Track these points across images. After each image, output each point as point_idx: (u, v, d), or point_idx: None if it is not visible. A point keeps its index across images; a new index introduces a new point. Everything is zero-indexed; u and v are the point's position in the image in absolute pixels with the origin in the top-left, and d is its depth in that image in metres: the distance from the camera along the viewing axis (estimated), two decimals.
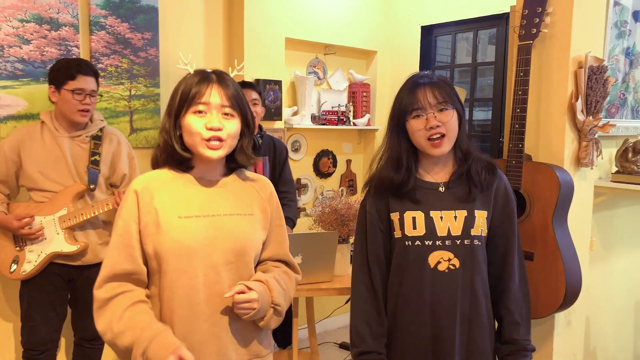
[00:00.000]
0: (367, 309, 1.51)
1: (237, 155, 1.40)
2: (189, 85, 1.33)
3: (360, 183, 4.11)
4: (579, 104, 2.00)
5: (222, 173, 1.43)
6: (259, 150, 2.88)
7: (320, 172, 3.89)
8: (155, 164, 1.40)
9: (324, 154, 3.88)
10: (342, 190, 3.91)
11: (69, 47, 2.69)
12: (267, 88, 3.30)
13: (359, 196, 3.52)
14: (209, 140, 1.31)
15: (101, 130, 2.41)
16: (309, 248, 2.39)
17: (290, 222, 2.89)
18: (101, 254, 2.38)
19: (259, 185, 1.47)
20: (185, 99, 1.32)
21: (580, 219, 2.16)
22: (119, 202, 2.15)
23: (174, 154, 1.35)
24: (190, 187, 1.37)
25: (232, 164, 1.42)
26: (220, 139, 1.31)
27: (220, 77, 1.35)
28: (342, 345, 3.63)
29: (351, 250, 2.74)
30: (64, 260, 2.31)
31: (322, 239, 2.46)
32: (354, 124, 3.87)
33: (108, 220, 2.44)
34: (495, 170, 1.51)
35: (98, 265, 2.35)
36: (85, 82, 2.28)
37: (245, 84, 2.81)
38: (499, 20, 3.46)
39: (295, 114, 3.58)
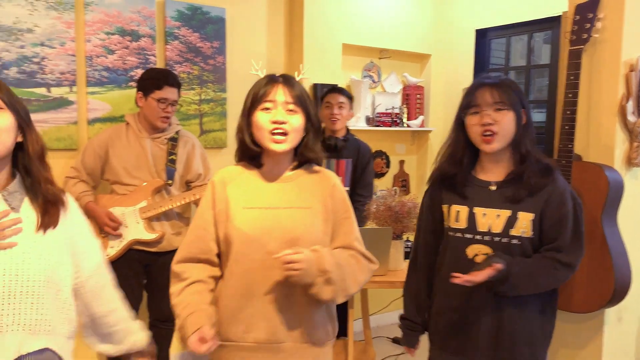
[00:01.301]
0: (412, 285, 1.75)
1: (303, 150, 1.53)
2: (259, 86, 1.50)
3: (413, 183, 4.22)
4: (630, 106, 2.05)
5: (289, 168, 1.55)
6: (340, 152, 3.05)
7: (374, 172, 4.01)
8: (236, 160, 1.59)
9: (378, 154, 4.01)
10: (395, 190, 4.02)
11: (147, 56, 2.97)
12: (324, 92, 3.48)
13: (412, 195, 3.63)
14: (273, 133, 1.45)
15: (177, 133, 2.67)
16: (364, 242, 2.53)
17: None
18: (175, 243, 2.63)
19: (321, 179, 1.55)
20: (255, 99, 1.49)
21: (633, 218, 2.20)
22: None
23: (247, 150, 1.52)
24: (257, 181, 1.53)
25: (300, 159, 1.55)
26: (284, 133, 1.46)
27: (286, 79, 1.51)
28: (395, 340, 3.73)
29: (405, 246, 2.87)
30: (142, 247, 2.57)
31: (377, 234, 2.60)
32: (408, 126, 3.98)
33: (182, 212, 2.69)
34: (551, 174, 1.55)
35: (172, 252, 2.62)
36: (170, 93, 2.54)
37: (334, 89, 3.04)
38: (554, 22, 3.47)
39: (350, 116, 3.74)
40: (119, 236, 2.54)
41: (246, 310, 1.46)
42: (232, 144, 3.31)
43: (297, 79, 1.57)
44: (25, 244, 1.17)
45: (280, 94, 1.47)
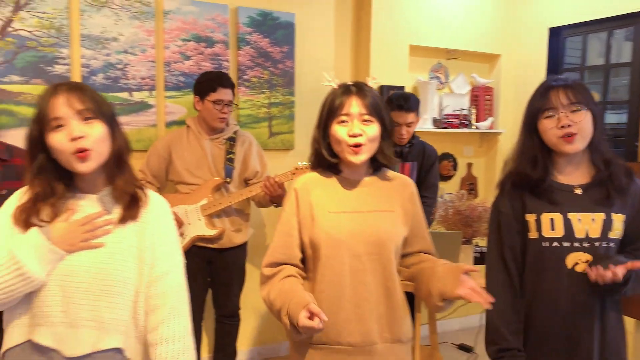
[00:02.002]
0: (505, 306, 1.54)
1: (378, 156, 1.55)
2: (333, 99, 1.52)
3: (481, 187, 4.11)
4: None
5: (366, 173, 1.58)
6: (405, 156, 3.04)
7: (441, 175, 3.94)
8: (312, 167, 1.62)
9: (445, 157, 3.95)
10: (462, 193, 3.95)
11: (221, 62, 3.07)
12: (390, 94, 3.47)
13: (482, 199, 3.55)
14: (351, 146, 1.48)
15: (235, 133, 2.75)
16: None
17: None
18: (234, 239, 2.73)
19: (399, 185, 1.60)
20: (330, 111, 1.52)
21: None
22: (268, 186, 2.51)
23: (323, 160, 1.56)
24: (339, 186, 1.56)
25: (375, 164, 1.58)
26: (359, 144, 1.48)
27: (359, 89, 1.52)
28: (461, 347, 3.66)
29: (475, 251, 2.80)
30: (204, 243, 2.66)
31: (446, 238, 2.56)
32: (476, 127, 3.89)
33: (241, 209, 2.77)
34: (632, 174, 1.53)
35: (232, 249, 2.72)
36: (224, 94, 2.61)
37: (402, 106, 2.86)
38: (638, 18, 3.29)
39: None
40: (181, 234, 2.64)
41: (339, 314, 1.48)
42: (298, 146, 3.37)
43: (370, 83, 1.57)
44: (110, 245, 1.23)
45: (354, 105, 1.49)
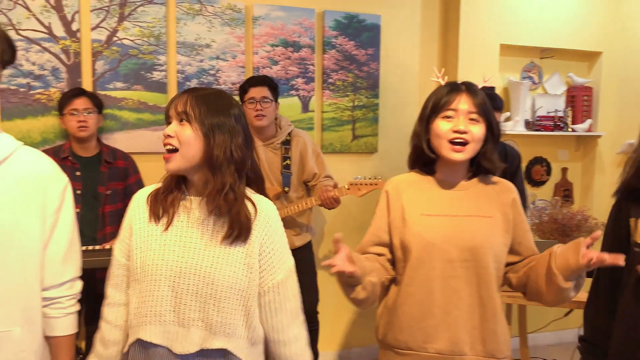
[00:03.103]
0: (591, 306, 1.53)
1: (480, 159, 1.49)
2: (441, 94, 1.48)
3: (577, 193, 3.86)
4: None
5: (465, 177, 1.52)
6: None
7: (532, 180, 3.75)
8: (409, 166, 1.60)
9: (537, 161, 3.74)
10: (557, 200, 3.72)
11: (307, 66, 3.11)
12: None
13: (581, 206, 3.32)
14: (453, 142, 1.43)
15: (289, 134, 2.73)
16: None
17: None
18: (296, 242, 2.72)
19: (500, 190, 1.52)
20: (436, 106, 1.48)
21: None
22: (324, 199, 2.55)
23: (422, 156, 1.52)
24: (433, 188, 1.52)
25: (476, 168, 1.52)
26: (464, 142, 1.43)
27: (469, 87, 1.47)
28: None
29: None
30: None
31: (540, 247, 2.41)
32: (573, 130, 3.65)
33: (300, 217, 2.76)
34: None
35: (295, 250, 2.66)
36: (255, 92, 2.60)
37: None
38: None
39: (507, 119, 3.54)
40: None
41: (427, 319, 1.44)
42: (382, 149, 3.33)
43: (482, 85, 1.51)
44: (215, 250, 1.25)
45: (463, 102, 1.45)
